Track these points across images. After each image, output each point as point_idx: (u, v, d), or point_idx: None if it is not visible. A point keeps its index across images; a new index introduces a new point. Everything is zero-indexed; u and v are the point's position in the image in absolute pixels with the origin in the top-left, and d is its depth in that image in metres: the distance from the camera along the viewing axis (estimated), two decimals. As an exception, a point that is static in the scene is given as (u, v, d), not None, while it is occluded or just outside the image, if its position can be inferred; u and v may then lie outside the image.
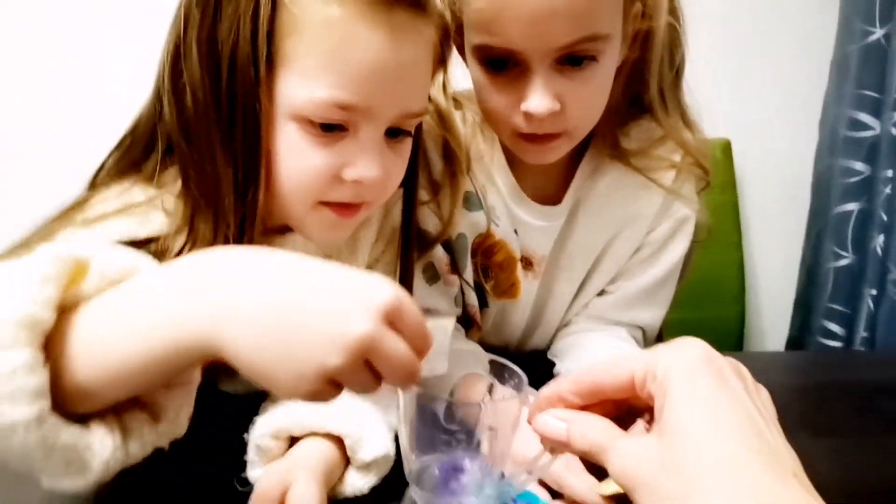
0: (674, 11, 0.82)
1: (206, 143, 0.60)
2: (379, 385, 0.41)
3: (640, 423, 0.44)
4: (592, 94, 0.75)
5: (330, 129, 0.59)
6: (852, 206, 1.37)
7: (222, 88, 0.59)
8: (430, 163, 0.83)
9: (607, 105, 0.81)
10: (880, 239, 1.32)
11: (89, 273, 0.43)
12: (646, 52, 0.81)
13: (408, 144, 0.67)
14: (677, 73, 0.86)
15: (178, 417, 0.47)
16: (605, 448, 0.41)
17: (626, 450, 0.40)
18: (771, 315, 1.55)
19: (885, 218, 1.31)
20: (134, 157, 0.65)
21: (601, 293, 0.93)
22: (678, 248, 0.90)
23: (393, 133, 0.64)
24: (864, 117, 1.34)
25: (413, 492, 0.48)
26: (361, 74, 0.58)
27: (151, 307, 0.42)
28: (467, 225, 0.87)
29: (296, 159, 0.60)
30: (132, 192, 0.63)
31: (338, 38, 0.58)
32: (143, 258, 0.46)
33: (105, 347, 0.42)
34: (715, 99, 1.48)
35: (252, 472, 0.58)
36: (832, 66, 1.41)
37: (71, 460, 0.41)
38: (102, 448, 0.42)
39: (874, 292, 1.34)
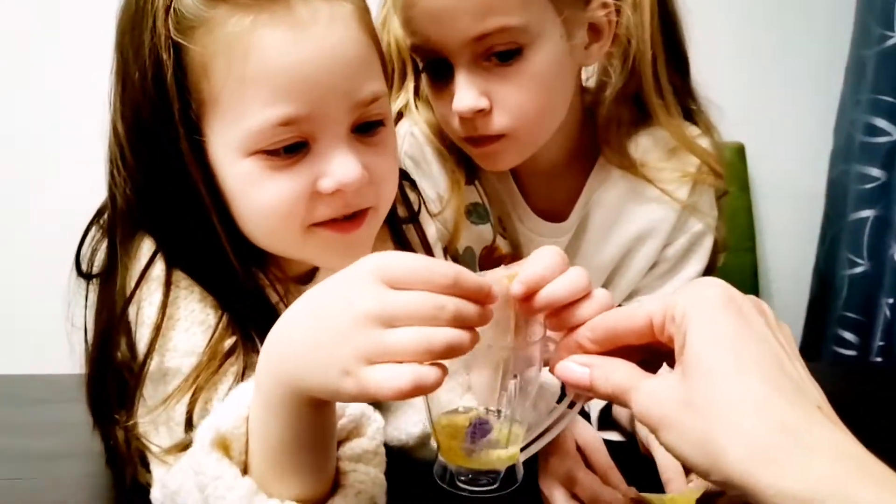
0: (665, 7, 0.83)
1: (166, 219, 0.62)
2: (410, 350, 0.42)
3: (665, 367, 0.47)
4: (524, 89, 0.76)
5: (291, 150, 0.58)
6: (868, 213, 1.41)
7: (154, 161, 0.60)
8: (433, 176, 0.86)
9: (610, 112, 0.83)
10: (897, 247, 1.36)
11: (230, 440, 0.50)
12: (628, 47, 0.81)
13: (386, 135, 0.64)
14: (682, 71, 0.87)
15: (377, 452, 0.55)
16: (629, 389, 0.44)
17: (648, 389, 0.43)
18: (784, 320, 1.58)
19: (901, 226, 1.35)
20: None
21: None
22: (695, 266, 0.91)
23: (363, 129, 0.61)
24: (881, 122, 1.38)
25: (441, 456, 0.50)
26: (284, 82, 0.56)
27: (257, 393, 0.49)
28: (473, 238, 0.89)
29: (262, 192, 0.59)
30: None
31: (242, 57, 0.56)
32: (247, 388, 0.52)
33: (263, 441, 0.49)
34: (729, 103, 1.51)
35: None
36: (847, 70, 1.46)
37: None
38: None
39: (891, 301, 1.37)
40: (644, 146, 0.88)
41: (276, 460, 0.49)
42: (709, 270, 0.93)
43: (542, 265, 0.47)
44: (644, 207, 0.89)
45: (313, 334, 0.44)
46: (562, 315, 0.48)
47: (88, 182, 0.69)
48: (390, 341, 0.41)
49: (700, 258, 0.92)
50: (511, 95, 0.75)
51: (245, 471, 0.50)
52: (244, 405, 0.50)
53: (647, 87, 0.84)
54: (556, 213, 0.90)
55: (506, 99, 0.75)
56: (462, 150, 0.84)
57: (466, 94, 0.74)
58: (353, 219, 0.62)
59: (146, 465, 0.62)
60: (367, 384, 0.41)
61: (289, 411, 0.47)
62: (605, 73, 0.85)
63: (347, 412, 0.54)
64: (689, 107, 0.89)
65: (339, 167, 0.58)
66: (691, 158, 0.88)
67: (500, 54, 0.74)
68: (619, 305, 0.91)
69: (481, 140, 0.78)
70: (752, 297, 0.44)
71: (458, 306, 0.42)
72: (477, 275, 0.44)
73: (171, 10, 0.57)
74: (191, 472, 0.51)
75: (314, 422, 0.48)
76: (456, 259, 0.87)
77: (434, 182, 0.86)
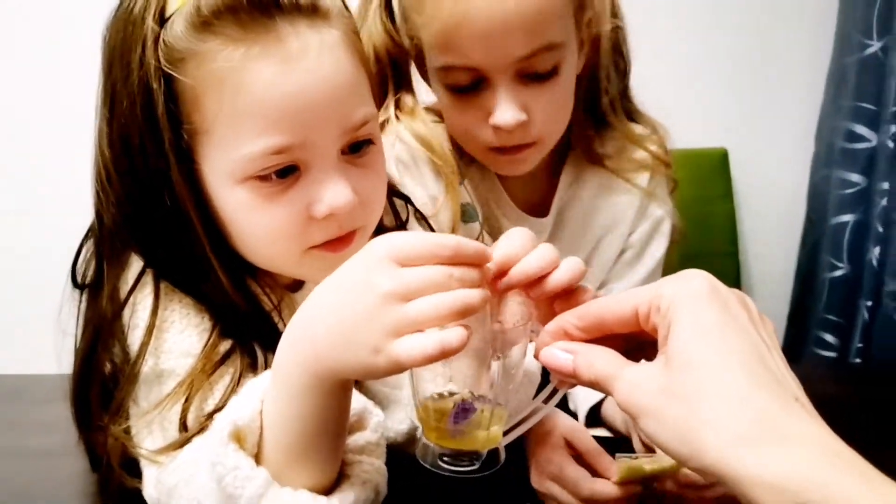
0: (615, 16, 0.89)
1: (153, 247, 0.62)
2: (440, 313, 0.44)
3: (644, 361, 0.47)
4: (556, 102, 0.81)
5: (283, 174, 0.59)
6: (848, 218, 1.43)
7: (143, 188, 0.60)
8: (424, 179, 0.88)
9: (577, 113, 0.87)
10: (876, 251, 1.38)
11: (246, 432, 0.51)
12: (595, 59, 0.88)
13: (375, 153, 0.65)
14: (625, 78, 0.93)
15: (379, 444, 0.56)
16: (612, 377, 0.44)
17: (631, 378, 0.43)
18: (766, 323, 1.60)
19: (880, 230, 1.37)
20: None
21: None
22: (658, 248, 0.97)
23: (353, 148, 0.62)
24: (861, 129, 1.41)
25: (425, 436, 0.51)
26: (276, 114, 0.57)
27: (277, 385, 0.51)
28: (464, 236, 0.91)
29: (257, 220, 0.60)
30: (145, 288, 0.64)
31: (234, 90, 0.57)
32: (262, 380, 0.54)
33: (282, 431, 0.51)
34: (713, 109, 1.55)
35: None
36: (829, 77, 1.49)
37: None
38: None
39: (869, 304, 1.39)
40: (607, 147, 0.94)
41: (294, 450, 0.50)
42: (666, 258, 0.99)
43: (512, 244, 0.49)
44: (612, 196, 0.94)
45: (339, 320, 0.47)
46: (534, 287, 0.49)
47: (84, 182, 0.68)
48: (414, 311, 0.44)
49: (662, 241, 0.97)
50: (546, 107, 0.80)
51: (257, 463, 0.51)
52: (258, 399, 0.52)
53: (603, 93, 0.90)
54: (536, 209, 0.94)
55: (541, 110, 0.80)
56: (452, 157, 0.88)
57: (509, 109, 0.78)
58: (344, 238, 0.63)
59: (130, 471, 0.62)
60: (398, 356, 0.44)
61: (315, 398, 0.49)
62: None
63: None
64: (628, 108, 0.95)
65: (331, 193, 0.59)
66: (645, 154, 0.95)
67: (539, 75, 0.78)
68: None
69: (511, 149, 0.82)
70: (736, 290, 0.44)
71: (464, 272, 0.46)
72: None
73: (161, 40, 0.57)
74: (202, 464, 0.52)
75: (338, 406, 0.51)
76: None
77: (426, 185, 0.89)
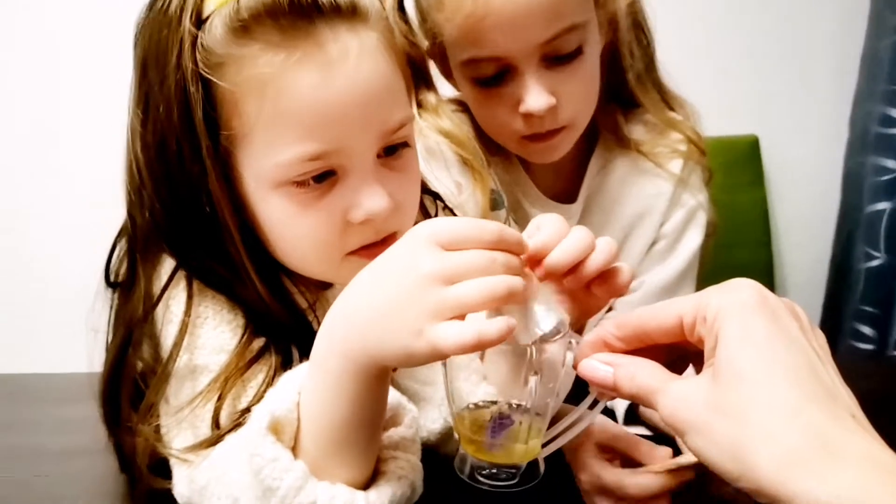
0: None
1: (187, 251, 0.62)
2: (479, 297, 0.44)
3: (691, 369, 0.46)
4: (584, 83, 0.82)
5: (320, 179, 0.59)
6: (884, 205, 1.40)
7: (178, 192, 0.59)
8: (449, 166, 0.88)
9: (605, 97, 0.87)
10: (914, 239, 1.35)
11: (283, 424, 0.51)
12: (615, 38, 0.87)
13: (410, 155, 0.64)
14: (649, 54, 0.92)
15: (414, 440, 0.55)
16: (655, 391, 0.43)
17: (677, 392, 0.42)
18: (801, 315, 1.58)
19: (919, 217, 1.34)
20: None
21: None
22: (694, 239, 0.95)
23: (388, 151, 0.62)
24: (897, 114, 1.37)
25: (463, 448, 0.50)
26: (315, 120, 0.57)
27: (316, 373, 0.50)
28: None
29: (295, 226, 0.60)
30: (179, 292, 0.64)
31: (274, 97, 0.56)
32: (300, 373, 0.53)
33: (320, 423, 0.50)
34: (743, 95, 1.52)
35: None
36: (863, 61, 1.45)
37: None
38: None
39: (908, 294, 1.36)
40: (637, 130, 0.93)
41: (331, 442, 0.50)
42: (703, 251, 0.96)
43: (546, 233, 0.49)
44: (642, 183, 0.93)
45: (381, 304, 0.46)
46: (570, 275, 0.49)
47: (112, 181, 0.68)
48: (456, 295, 0.44)
49: (698, 231, 0.95)
50: (574, 88, 0.80)
51: (294, 456, 0.50)
52: (296, 391, 0.51)
53: (627, 70, 0.90)
54: (563, 196, 0.94)
55: (570, 93, 0.80)
56: (481, 150, 0.88)
57: (539, 94, 0.78)
58: (382, 244, 0.62)
59: (157, 472, 0.62)
60: (437, 341, 0.43)
61: (353, 387, 0.48)
62: None
63: None
64: (657, 81, 0.94)
65: (368, 199, 0.59)
66: (679, 137, 0.93)
67: (563, 57, 0.78)
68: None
69: (544, 135, 0.82)
70: (786, 300, 0.43)
71: (507, 257, 0.46)
72: None
73: (199, 45, 0.57)
74: (238, 459, 0.52)
75: (375, 396, 0.50)
76: None
77: (451, 172, 0.89)
